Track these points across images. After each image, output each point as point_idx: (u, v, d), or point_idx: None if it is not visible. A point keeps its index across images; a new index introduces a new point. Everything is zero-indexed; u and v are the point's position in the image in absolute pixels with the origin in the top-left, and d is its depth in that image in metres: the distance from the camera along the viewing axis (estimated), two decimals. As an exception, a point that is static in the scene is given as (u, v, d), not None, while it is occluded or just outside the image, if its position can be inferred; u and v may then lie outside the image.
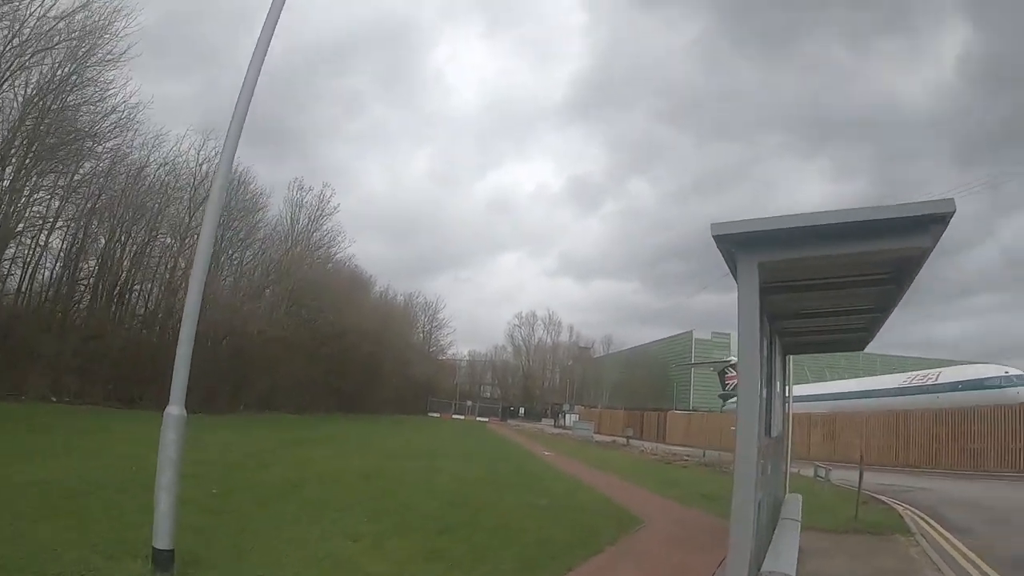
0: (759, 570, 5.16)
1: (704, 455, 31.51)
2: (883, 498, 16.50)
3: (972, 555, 10.04)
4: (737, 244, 5.15)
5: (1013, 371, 32.35)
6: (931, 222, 4.65)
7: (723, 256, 5.33)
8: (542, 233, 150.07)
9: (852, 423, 32.56)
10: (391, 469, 17.21)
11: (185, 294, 9.92)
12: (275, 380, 42.09)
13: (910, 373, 41.44)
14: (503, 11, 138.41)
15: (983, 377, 32.84)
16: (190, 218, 36.49)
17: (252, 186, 42.91)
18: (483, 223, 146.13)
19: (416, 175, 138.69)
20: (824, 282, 6.46)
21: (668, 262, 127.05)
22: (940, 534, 11.92)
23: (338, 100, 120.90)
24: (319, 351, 48.83)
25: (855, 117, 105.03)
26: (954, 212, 4.52)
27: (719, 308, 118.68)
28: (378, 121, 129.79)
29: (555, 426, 74.13)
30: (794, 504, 9.00)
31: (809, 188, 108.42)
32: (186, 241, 36.37)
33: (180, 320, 6.85)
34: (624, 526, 11.76)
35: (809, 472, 16.84)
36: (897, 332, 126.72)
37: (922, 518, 13.65)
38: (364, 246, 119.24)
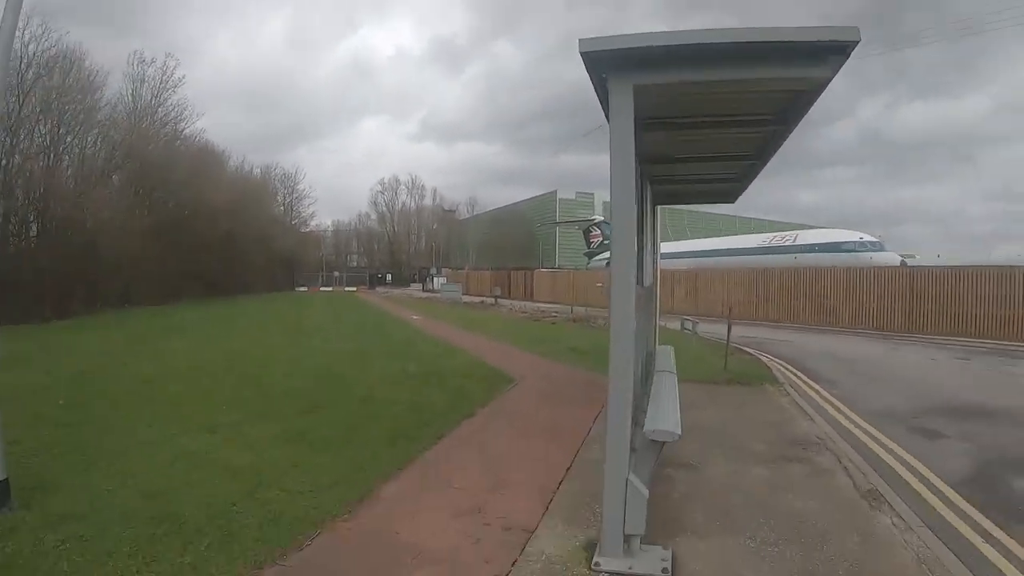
0: (642, 428, 4.98)
1: (571, 311, 32.69)
2: (749, 350, 17.57)
3: (840, 404, 10.83)
4: (609, 64, 4.52)
5: (867, 237, 35.16)
6: (830, 51, 4.19)
7: (593, 83, 4.74)
8: (404, 98, 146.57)
9: (714, 279, 34.20)
10: (254, 352, 16.75)
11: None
12: (132, 272, 38.70)
13: (770, 234, 44.05)
14: None
15: (839, 241, 35.47)
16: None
17: (87, 63, 37.54)
18: (343, 89, 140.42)
19: (271, 41, 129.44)
20: (704, 120, 5.98)
21: (533, 123, 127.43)
22: (808, 384, 12.88)
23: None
24: (174, 235, 45.22)
25: None
26: (858, 42, 4.09)
27: (584, 168, 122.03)
28: None
29: (424, 290, 74.39)
30: (666, 356, 9.06)
31: None
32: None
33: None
34: (495, 386, 12.02)
35: (675, 325, 17.48)
36: (758, 197, 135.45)
37: (788, 369, 14.67)
38: (219, 119, 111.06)
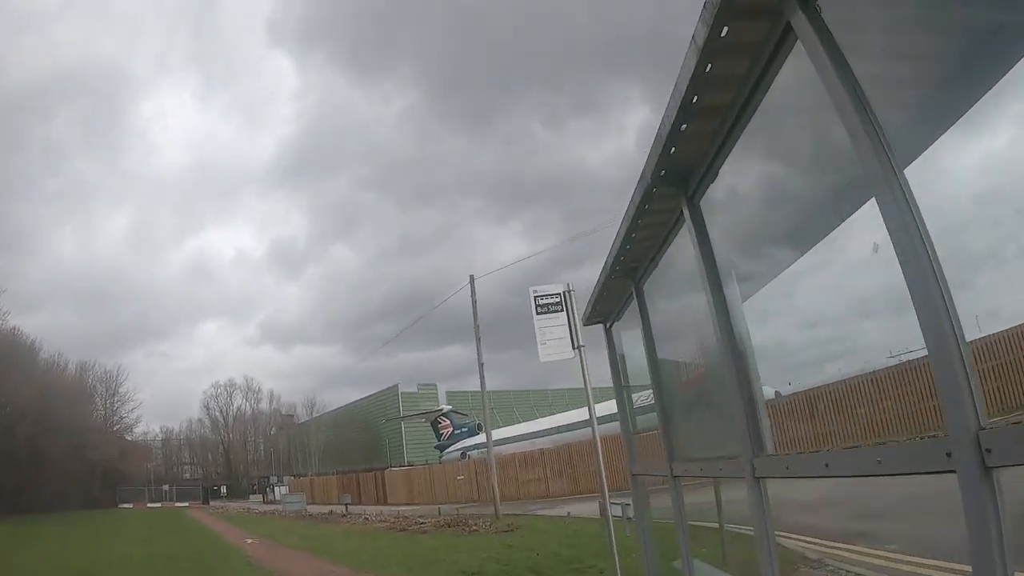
0: None
1: (440, 513, 26.88)
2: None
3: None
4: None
5: None
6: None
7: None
8: (243, 301, 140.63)
9: (586, 452, 30.48)
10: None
11: None
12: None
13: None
14: (218, 69, 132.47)
15: None
16: None
17: None
18: (182, 292, 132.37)
19: (112, 239, 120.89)
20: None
21: (371, 324, 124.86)
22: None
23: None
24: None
25: (546, 181, 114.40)
26: None
27: (423, 363, 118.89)
28: (75, 178, 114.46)
29: (265, 502, 64.45)
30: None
31: (504, 248, 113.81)
32: None
33: None
34: None
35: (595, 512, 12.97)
36: (592, 370, 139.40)
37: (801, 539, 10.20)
38: (51, 317, 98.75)
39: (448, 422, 66.10)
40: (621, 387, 5.37)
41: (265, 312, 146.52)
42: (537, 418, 58.69)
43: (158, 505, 69.71)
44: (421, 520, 24.71)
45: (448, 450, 62.24)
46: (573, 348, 8.25)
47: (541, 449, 34.77)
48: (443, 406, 72.05)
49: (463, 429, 63.76)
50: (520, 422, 57.18)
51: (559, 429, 44.04)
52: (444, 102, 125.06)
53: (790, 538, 10.12)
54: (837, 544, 10.01)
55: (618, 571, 8.45)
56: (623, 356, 5.63)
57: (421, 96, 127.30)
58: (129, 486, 72.73)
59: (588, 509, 21.14)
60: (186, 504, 69.75)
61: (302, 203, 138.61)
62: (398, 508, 36.54)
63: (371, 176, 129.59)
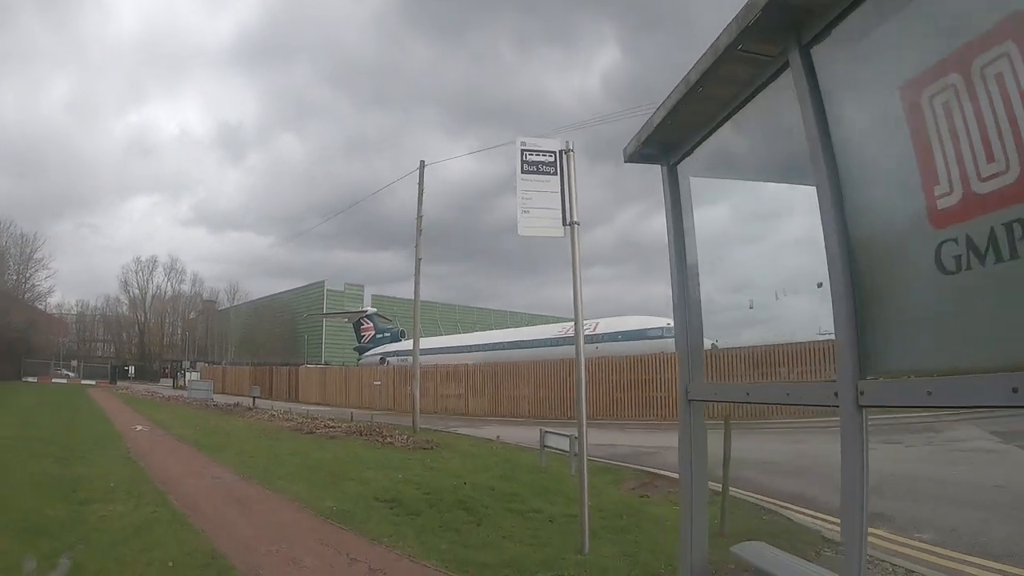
0: None
1: (351, 418, 25.15)
2: (659, 471, 12.31)
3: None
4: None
5: (672, 322, 31.97)
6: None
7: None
8: (181, 180, 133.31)
9: (509, 376, 29.07)
10: None
11: None
12: None
13: (564, 324, 40.56)
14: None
15: (644, 328, 32.23)
16: None
17: None
18: (119, 164, 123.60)
19: (52, 103, 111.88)
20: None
21: (309, 219, 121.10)
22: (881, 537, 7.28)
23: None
24: None
25: (505, 106, 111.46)
26: None
27: (355, 263, 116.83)
28: (22, 35, 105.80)
29: (174, 387, 61.54)
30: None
31: (454, 164, 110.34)
32: None
33: None
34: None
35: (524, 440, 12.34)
36: (520, 297, 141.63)
37: (806, 513, 8.99)
38: None
39: (371, 324, 64.06)
40: (685, 268, 3.28)
41: (202, 194, 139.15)
42: (461, 333, 57.53)
43: (63, 381, 65.92)
44: (331, 424, 22.72)
45: (367, 353, 60.45)
46: (565, 224, 6.41)
47: (466, 365, 33.34)
48: (368, 308, 69.95)
49: (385, 334, 61.84)
50: (443, 335, 55.75)
51: (484, 347, 42.82)
52: (418, 8, 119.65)
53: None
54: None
55: (586, 523, 6.76)
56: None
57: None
58: (36, 359, 69.23)
59: (517, 435, 19.69)
60: (92, 382, 66.50)
61: (255, 88, 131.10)
62: (309, 408, 34.68)
63: (330, 71, 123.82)
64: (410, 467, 13.30)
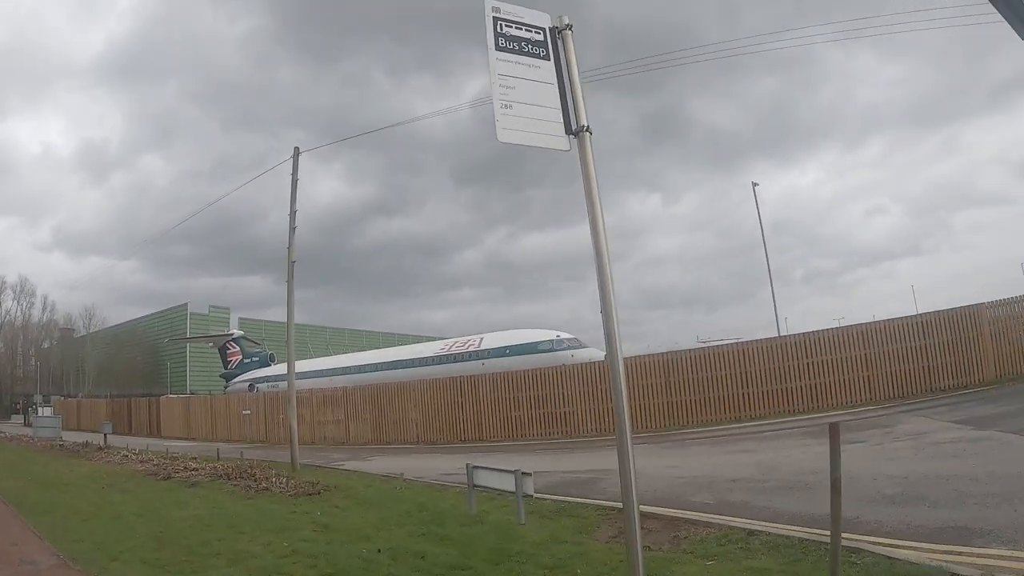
0: None
1: (219, 455, 21.66)
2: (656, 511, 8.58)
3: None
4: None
5: (563, 334, 31.20)
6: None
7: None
8: (40, 201, 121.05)
9: (396, 396, 27.31)
10: None
11: None
12: None
13: (445, 341, 38.93)
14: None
15: (534, 341, 31.16)
16: None
17: None
18: None
19: None
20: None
21: (174, 244, 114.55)
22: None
23: None
24: None
25: (376, 132, 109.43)
26: None
27: (219, 290, 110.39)
28: None
29: (25, 424, 53.50)
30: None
31: (322, 187, 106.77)
32: None
33: None
34: None
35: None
36: (394, 317, 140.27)
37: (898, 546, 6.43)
38: None
39: (238, 348, 59.18)
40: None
41: (62, 216, 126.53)
42: (334, 355, 54.53)
43: None
44: (194, 466, 18.96)
45: (235, 380, 55.74)
46: (569, 132, 4.23)
47: (344, 388, 31.02)
48: (234, 331, 65.13)
49: (253, 359, 57.19)
50: (314, 357, 52.30)
51: (362, 368, 40.42)
52: (292, 32, 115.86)
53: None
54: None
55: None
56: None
57: (270, 21, 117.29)
58: None
59: (417, 468, 16.80)
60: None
61: (121, 106, 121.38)
62: (170, 444, 30.84)
63: (199, 91, 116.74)
64: (297, 527, 9.74)
